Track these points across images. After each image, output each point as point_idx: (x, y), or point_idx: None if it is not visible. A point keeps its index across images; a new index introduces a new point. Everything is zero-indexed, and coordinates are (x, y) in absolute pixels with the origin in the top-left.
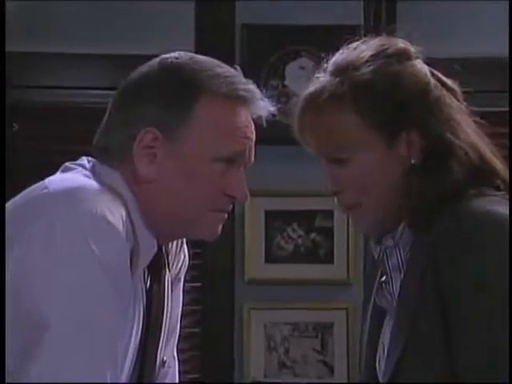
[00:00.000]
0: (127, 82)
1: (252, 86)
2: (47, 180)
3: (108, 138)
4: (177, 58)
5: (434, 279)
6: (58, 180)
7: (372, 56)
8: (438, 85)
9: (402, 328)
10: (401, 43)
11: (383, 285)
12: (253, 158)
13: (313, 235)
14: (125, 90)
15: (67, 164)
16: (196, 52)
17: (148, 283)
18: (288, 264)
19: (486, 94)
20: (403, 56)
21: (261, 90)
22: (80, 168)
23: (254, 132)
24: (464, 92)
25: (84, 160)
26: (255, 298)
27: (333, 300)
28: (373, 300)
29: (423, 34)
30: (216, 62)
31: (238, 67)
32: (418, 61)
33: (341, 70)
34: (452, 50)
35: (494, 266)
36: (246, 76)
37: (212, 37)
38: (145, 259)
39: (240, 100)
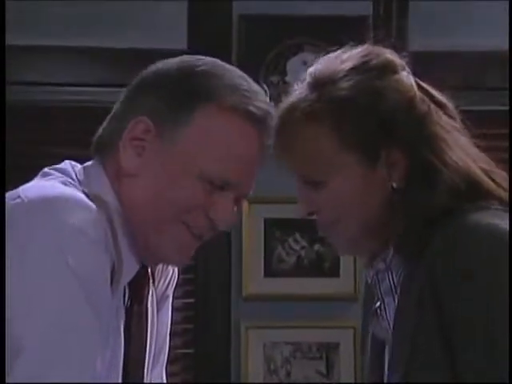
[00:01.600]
0: (142, 74)
1: (271, 107)
2: (21, 188)
3: (104, 129)
4: (198, 59)
5: (432, 305)
6: (33, 188)
7: (352, 69)
8: (426, 99)
9: (400, 357)
10: (387, 54)
11: (377, 311)
12: (250, 190)
13: (317, 246)
14: (134, 84)
15: (46, 169)
16: (189, 46)
17: (128, 302)
18: (290, 278)
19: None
20: (387, 69)
21: (261, 87)
22: (58, 174)
23: (261, 160)
24: (458, 107)
25: (66, 164)
26: (254, 315)
27: (339, 317)
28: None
29: (436, 24)
30: (240, 73)
31: (266, 87)
32: (404, 73)
33: (318, 84)
34: (466, 41)
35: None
36: (243, 72)
37: (206, 29)
38: (126, 276)
39: (251, 119)
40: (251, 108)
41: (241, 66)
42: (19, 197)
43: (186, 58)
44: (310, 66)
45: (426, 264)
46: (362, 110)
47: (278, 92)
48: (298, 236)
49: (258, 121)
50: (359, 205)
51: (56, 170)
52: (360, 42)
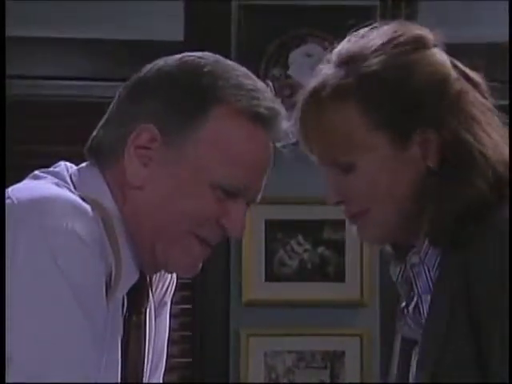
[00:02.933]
0: (141, 73)
1: (278, 105)
2: (10, 189)
3: (103, 133)
4: (200, 58)
5: (466, 306)
6: (23, 189)
7: (382, 44)
8: (461, 78)
9: (429, 356)
10: (417, 30)
11: (404, 311)
12: (259, 196)
13: (321, 249)
14: (135, 82)
15: (37, 172)
16: (186, 37)
17: (126, 312)
18: (292, 282)
19: None
20: (419, 44)
21: (263, 81)
22: (50, 177)
23: (270, 163)
24: (491, 87)
25: (61, 165)
26: (254, 322)
27: (344, 324)
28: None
29: (447, 14)
30: (244, 70)
31: (270, 83)
32: (437, 50)
33: (346, 61)
34: (479, 31)
35: None
36: (243, 65)
37: (204, 20)
38: (125, 285)
39: (260, 120)
40: (261, 110)
41: (240, 59)
42: (9, 197)
43: (186, 56)
44: (314, 59)
45: (464, 263)
46: (392, 86)
47: (280, 86)
48: (300, 238)
49: (267, 122)
50: (391, 189)
51: (48, 172)
52: None
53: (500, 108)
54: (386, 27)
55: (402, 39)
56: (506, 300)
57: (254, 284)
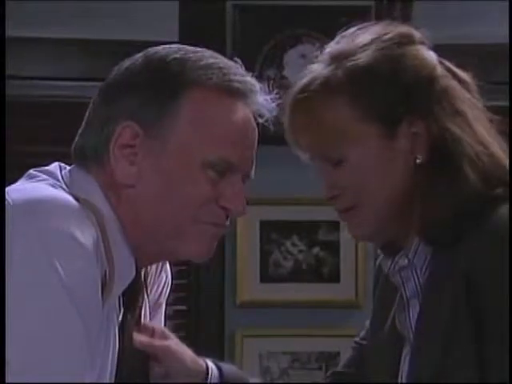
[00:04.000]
0: (111, 76)
1: (251, 79)
2: (6, 190)
3: (84, 138)
4: (163, 49)
5: (469, 309)
6: (18, 190)
7: (370, 40)
8: (449, 75)
9: (429, 357)
10: (404, 28)
11: (404, 307)
12: (252, 170)
13: (316, 250)
14: (107, 85)
15: (32, 171)
16: (181, 37)
17: (121, 313)
18: (287, 283)
19: None
20: (406, 39)
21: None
22: (45, 176)
23: (256, 135)
24: (479, 85)
25: (55, 166)
26: (249, 323)
27: (339, 325)
28: (388, 326)
29: (442, 15)
30: (210, 52)
31: (239, 60)
32: (424, 46)
33: (335, 58)
34: (473, 32)
35: None
36: None
37: (199, 20)
38: (120, 285)
39: (235, 93)
40: (234, 84)
41: (235, 59)
42: (5, 198)
43: (149, 51)
44: (308, 59)
45: (461, 261)
46: (380, 78)
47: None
48: (295, 239)
49: (243, 95)
50: (381, 181)
51: (42, 172)
52: None
53: (499, 109)
54: (374, 26)
55: (389, 35)
56: (507, 300)
57: (248, 285)
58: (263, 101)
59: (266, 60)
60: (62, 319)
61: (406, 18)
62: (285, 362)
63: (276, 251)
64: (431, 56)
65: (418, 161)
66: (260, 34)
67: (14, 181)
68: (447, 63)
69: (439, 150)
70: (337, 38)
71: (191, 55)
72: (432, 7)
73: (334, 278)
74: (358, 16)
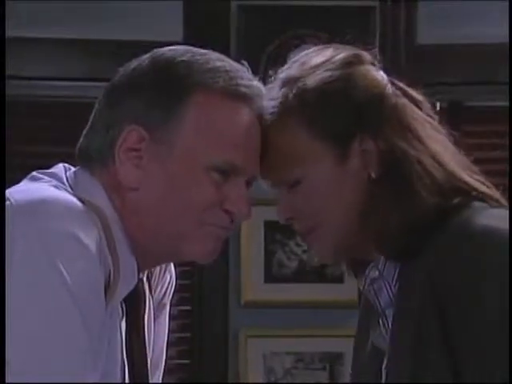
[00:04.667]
0: (116, 77)
1: (257, 83)
2: (8, 191)
3: (89, 139)
4: (170, 50)
5: (436, 317)
6: (21, 191)
7: (321, 63)
8: (400, 94)
9: (402, 369)
10: (354, 50)
11: (379, 321)
12: (257, 172)
13: None
14: (112, 87)
15: (35, 173)
16: (185, 38)
17: (125, 314)
18: (291, 284)
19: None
20: (355, 60)
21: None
22: (48, 178)
23: (259, 138)
24: (435, 107)
25: (59, 167)
26: (253, 323)
27: (343, 326)
28: (369, 346)
29: (447, 15)
30: (216, 54)
31: (246, 63)
32: (374, 67)
33: (286, 82)
34: (478, 32)
35: (499, 294)
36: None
37: (203, 20)
38: (124, 288)
39: (241, 98)
40: (240, 88)
41: (239, 60)
42: (7, 199)
43: (156, 52)
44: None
45: (424, 274)
46: (330, 98)
47: None
48: (299, 239)
49: (250, 99)
50: (337, 201)
51: (45, 174)
52: (366, 33)
53: (499, 109)
54: (325, 50)
55: (338, 57)
56: (477, 308)
57: (252, 285)
58: (268, 105)
59: (270, 60)
60: (62, 319)
61: (410, 19)
62: (288, 363)
63: (280, 251)
64: (381, 75)
65: (371, 177)
66: (264, 34)
67: (14, 181)
68: (398, 83)
69: (389, 166)
70: (288, 63)
71: (198, 57)
72: (436, 7)
73: (338, 278)
74: (362, 16)
